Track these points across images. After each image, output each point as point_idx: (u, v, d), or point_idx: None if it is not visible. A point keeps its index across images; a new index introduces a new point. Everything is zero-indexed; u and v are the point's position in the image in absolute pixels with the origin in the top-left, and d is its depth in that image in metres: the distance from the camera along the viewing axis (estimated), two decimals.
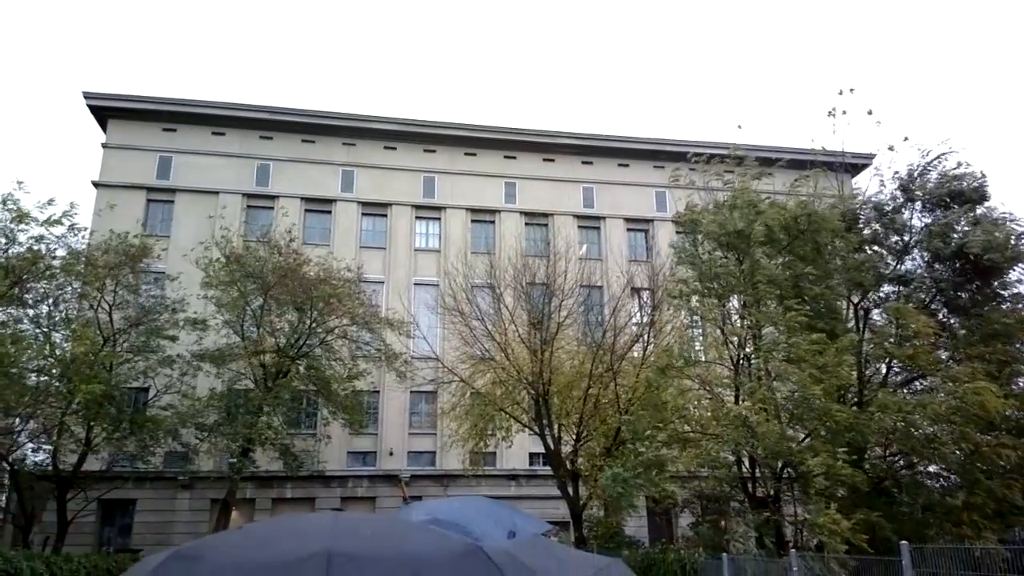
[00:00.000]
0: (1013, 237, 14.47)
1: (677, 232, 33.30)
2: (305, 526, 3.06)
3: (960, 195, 15.28)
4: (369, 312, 26.88)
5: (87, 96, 32.98)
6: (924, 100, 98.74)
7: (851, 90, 16.04)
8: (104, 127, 33.71)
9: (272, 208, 33.67)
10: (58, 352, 20.31)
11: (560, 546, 4.96)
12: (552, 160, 37.15)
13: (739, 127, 59.25)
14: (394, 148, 35.74)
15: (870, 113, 18.48)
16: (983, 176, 15.43)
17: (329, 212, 34.62)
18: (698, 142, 32.48)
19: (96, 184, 32.52)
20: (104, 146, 33.36)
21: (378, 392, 31.41)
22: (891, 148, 16.38)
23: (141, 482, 25.96)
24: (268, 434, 23.95)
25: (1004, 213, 14.95)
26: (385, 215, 35.16)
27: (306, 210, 34.42)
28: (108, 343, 22.17)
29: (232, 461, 24.76)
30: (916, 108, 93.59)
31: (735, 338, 14.93)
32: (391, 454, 31.29)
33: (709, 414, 14.69)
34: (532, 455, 31.21)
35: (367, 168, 35.23)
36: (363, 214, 35.01)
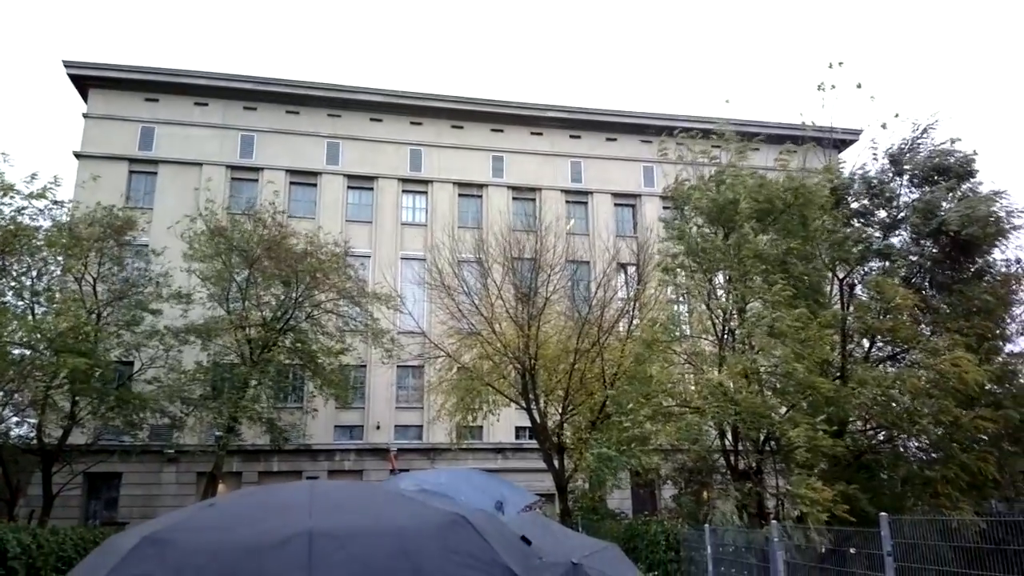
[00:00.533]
0: (999, 213, 14.51)
1: (664, 207, 33.38)
2: (282, 500, 2.90)
3: (947, 170, 15.29)
4: (356, 286, 26.81)
5: (67, 65, 32.36)
6: (917, 78, 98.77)
7: (840, 64, 15.96)
8: (85, 97, 33.14)
9: (256, 180, 33.35)
10: (43, 326, 20.16)
11: (558, 525, 4.92)
12: (540, 134, 36.94)
13: (727, 102, 59.20)
14: (380, 120, 35.39)
15: (859, 87, 18.34)
16: (973, 153, 15.43)
17: (314, 185, 34.33)
18: (687, 116, 32.41)
19: (78, 155, 32.05)
20: (85, 116, 32.82)
21: (365, 366, 31.43)
22: (884, 126, 16.36)
23: (127, 456, 25.94)
24: (254, 408, 23.97)
25: (992, 191, 14.97)
26: (371, 188, 34.91)
27: (291, 183, 34.11)
28: (92, 316, 22.01)
29: (218, 435, 24.77)
30: (907, 85, 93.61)
31: (720, 312, 15.02)
32: (378, 428, 31.42)
33: (693, 387, 14.81)
34: (518, 428, 31.44)
35: (353, 140, 34.90)
36: (349, 187, 34.75)
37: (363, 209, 34.72)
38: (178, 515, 2.98)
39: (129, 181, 32.36)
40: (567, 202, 36.45)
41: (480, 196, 35.88)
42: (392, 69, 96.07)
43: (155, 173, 32.85)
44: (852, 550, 9.53)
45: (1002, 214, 14.52)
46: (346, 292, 25.98)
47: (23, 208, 19.95)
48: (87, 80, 32.74)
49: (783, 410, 13.66)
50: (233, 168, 33.57)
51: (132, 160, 32.61)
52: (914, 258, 15.65)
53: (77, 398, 21.70)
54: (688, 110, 48.66)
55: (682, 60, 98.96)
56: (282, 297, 24.94)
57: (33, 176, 20.19)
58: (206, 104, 33.78)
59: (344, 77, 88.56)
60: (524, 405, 20.95)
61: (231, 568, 2.34)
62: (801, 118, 16.66)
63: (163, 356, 24.16)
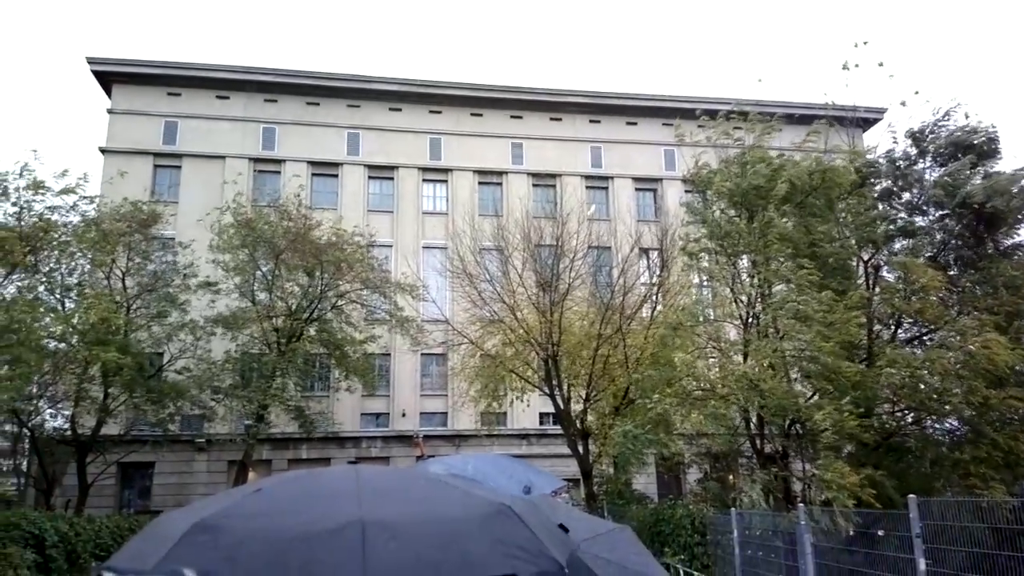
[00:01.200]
0: (1018, 185, 14.30)
1: (686, 191, 33.12)
2: (329, 486, 2.91)
3: (970, 148, 15.10)
4: (379, 276, 27.01)
5: (91, 61, 32.77)
6: (939, 54, 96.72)
7: (864, 43, 15.77)
8: (109, 93, 33.55)
9: (279, 172, 33.62)
10: (74, 320, 20.56)
11: (567, 508, 4.90)
12: (559, 119, 36.77)
13: (759, 81, 58.48)
14: (399, 109, 35.44)
15: (881, 65, 18.08)
16: (992, 127, 15.23)
17: (336, 176, 34.53)
18: (708, 98, 32.02)
19: (103, 150, 32.51)
20: (110, 112, 33.23)
21: (389, 355, 31.69)
22: (903, 103, 16.16)
23: (159, 445, 26.44)
24: (283, 396, 24.31)
25: (1016, 169, 14.75)
26: (392, 178, 35.03)
27: (313, 174, 34.34)
28: (122, 309, 22.41)
29: (248, 424, 25.16)
30: (930, 63, 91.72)
31: (744, 297, 14.93)
32: (404, 415, 31.70)
33: (717, 372, 14.76)
34: (542, 415, 31.54)
35: (372, 130, 35.01)
36: (370, 177, 34.91)
37: (384, 199, 34.87)
38: (225, 500, 2.96)
39: (154, 175, 32.78)
40: (587, 188, 36.31)
41: (500, 183, 35.85)
42: (410, 58, 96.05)
43: (179, 167, 33.23)
44: (881, 532, 9.48)
45: (1016, 187, 14.32)
46: (370, 282, 26.19)
47: (55, 207, 20.31)
48: (110, 76, 33.13)
49: (809, 394, 13.59)
50: (256, 160, 33.86)
51: (156, 154, 33.01)
52: (939, 235, 15.46)
53: (109, 390, 22.12)
54: (709, 92, 48.07)
55: (703, 42, 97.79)
56: (307, 287, 25.19)
57: (64, 172, 20.54)
58: (228, 97, 34.05)
59: (363, 67, 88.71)
60: (548, 391, 21.02)
61: (283, 555, 2.34)
62: (825, 98, 16.46)
63: (192, 347, 24.54)
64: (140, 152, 32.59)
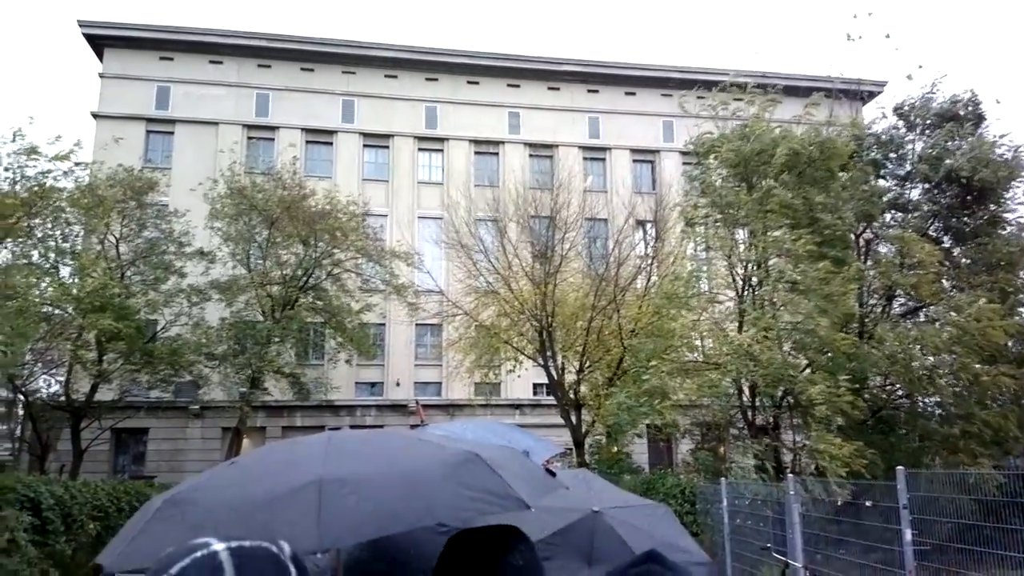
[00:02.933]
0: (1007, 154, 14.39)
1: (685, 163, 32.98)
2: (299, 453, 2.92)
3: (956, 118, 15.16)
4: (374, 245, 26.93)
5: (82, 24, 32.24)
6: (944, 29, 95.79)
7: (869, 14, 15.68)
8: (100, 57, 33.06)
9: (272, 139, 33.32)
10: (69, 287, 20.47)
11: (603, 481, 4.88)
12: (557, 89, 36.42)
13: (756, 53, 58.04)
14: (395, 77, 35.04)
15: (888, 37, 18.01)
16: (970, 94, 15.36)
17: (330, 144, 34.23)
18: (707, 69, 31.75)
19: (95, 115, 32.12)
20: (101, 76, 32.78)
21: (384, 324, 31.72)
22: (909, 77, 16.30)
23: (153, 411, 26.48)
24: (278, 363, 24.36)
25: (996, 135, 14.91)
26: (387, 147, 34.75)
27: (307, 141, 34.03)
28: (116, 276, 22.33)
29: (243, 391, 25.24)
30: (935, 34, 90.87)
31: (741, 268, 14.96)
32: (398, 384, 31.84)
33: (711, 343, 14.84)
34: (536, 385, 31.69)
35: (368, 98, 34.62)
36: (365, 145, 34.61)
37: (379, 168, 34.62)
38: (205, 476, 3.04)
39: (146, 141, 32.46)
40: (584, 158, 36.09)
41: (496, 153, 35.61)
42: (406, 24, 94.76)
43: (172, 133, 32.90)
44: (868, 503, 9.60)
45: (1009, 156, 14.42)
46: (365, 251, 26.12)
47: (48, 171, 20.12)
48: (102, 40, 32.62)
49: (803, 366, 13.67)
50: (249, 127, 33.52)
51: (149, 120, 32.65)
52: (926, 207, 15.55)
53: (105, 356, 22.12)
54: (709, 63, 47.60)
55: (703, 11, 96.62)
56: (302, 256, 25.12)
57: (57, 138, 20.34)
58: (221, 62, 33.60)
59: (358, 33, 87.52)
60: (542, 362, 21.10)
61: (246, 520, 2.39)
62: (828, 70, 16.41)
63: (187, 313, 24.52)
64: (133, 117, 32.21)
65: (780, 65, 69.77)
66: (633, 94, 36.92)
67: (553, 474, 3.14)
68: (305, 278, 25.30)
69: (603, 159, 36.54)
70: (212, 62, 33.54)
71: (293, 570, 1.17)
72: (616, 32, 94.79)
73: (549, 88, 36.34)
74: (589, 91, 36.73)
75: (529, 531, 4.10)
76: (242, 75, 33.71)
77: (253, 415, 26.87)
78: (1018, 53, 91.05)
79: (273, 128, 33.55)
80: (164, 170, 31.14)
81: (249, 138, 33.51)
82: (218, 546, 1.13)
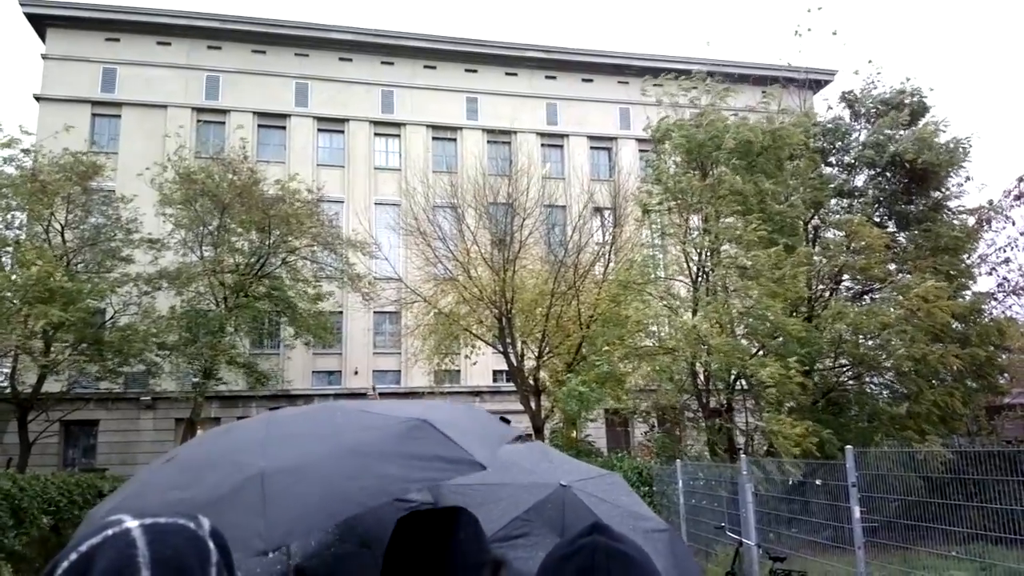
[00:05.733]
0: (951, 143, 14.93)
1: (642, 151, 33.24)
2: (238, 441, 2.76)
3: (900, 106, 15.65)
4: (330, 232, 26.53)
5: (23, 3, 30.96)
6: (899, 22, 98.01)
7: (818, 8, 16.01)
8: (43, 37, 31.82)
9: (223, 123, 32.54)
10: (9, 274, 19.75)
11: (560, 454, 4.96)
12: (515, 74, 36.28)
13: (707, 44, 58.61)
14: (350, 60, 34.48)
15: (834, 34, 18.48)
16: (917, 89, 15.88)
17: (283, 128, 33.57)
18: (665, 56, 32.00)
19: (38, 98, 30.96)
20: (44, 57, 31.57)
21: (342, 312, 31.36)
22: (856, 72, 16.66)
23: (103, 403, 25.81)
24: (232, 352, 23.92)
25: (933, 122, 15.50)
26: (342, 131, 34.23)
27: (259, 125, 33.31)
28: (62, 264, 21.62)
29: (196, 381, 24.74)
30: (889, 26, 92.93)
31: (695, 255, 15.17)
32: (356, 373, 31.56)
33: (667, 329, 15.04)
34: (496, 372, 31.73)
35: (322, 81, 34.01)
36: (319, 130, 34.04)
37: (335, 153, 34.10)
38: (141, 477, 2.81)
39: (92, 124, 31.40)
40: (543, 145, 36.08)
41: (454, 139, 35.37)
42: (361, 6, 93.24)
43: (119, 116, 31.90)
44: (818, 482, 9.86)
45: (952, 144, 14.97)
46: (320, 238, 25.72)
47: None
48: (44, 19, 31.38)
49: (754, 350, 13.94)
50: (199, 110, 32.67)
51: (94, 103, 31.59)
52: (872, 192, 16.03)
53: (52, 346, 21.44)
54: (667, 51, 47.93)
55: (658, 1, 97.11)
56: (256, 243, 24.64)
57: None
58: (169, 44, 32.65)
59: (312, 15, 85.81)
60: (501, 349, 21.12)
61: None
62: (780, 60, 16.75)
63: (136, 303, 23.89)
64: (77, 100, 31.12)
65: (735, 54, 70.75)
66: (591, 81, 36.99)
67: (507, 421, 3.07)
68: (259, 266, 24.83)
69: (561, 146, 36.58)
70: (160, 43, 32.56)
71: (211, 546, 1.13)
72: (573, 18, 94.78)
73: (507, 74, 36.19)
74: (547, 77, 36.68)
75: (505, 508, 4.12)
76: (191, 57, 32.81)
77: (207, 405, 26.37)
78: (967, 52, 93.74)
79: (224, 111, 32.76)
80: (111, 154, 30.20)
81: (199, 121, 32.66)
82: (131, 523, 1.09)
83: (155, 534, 1.08)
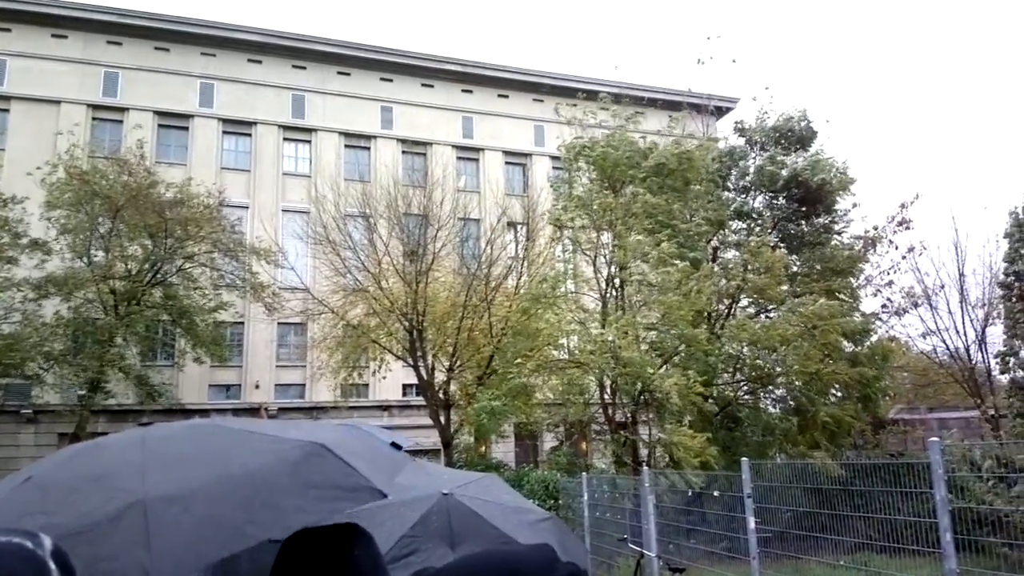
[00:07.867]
0: (839, 168, 16.09)
1: (555, 168, 33.71)
2: (110, 462, 2.47)
3: (791, 133, 16.68)
4: (232, 239, 25.53)
5: None
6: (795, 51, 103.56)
7: (718, 36, 16.92)
8: None
9: (121, 121, 30.93)
10: None
11: (434, 465, 4.98)
12: (431, 86, 36.16)
13: (615, 68, 60.25)
14: (259, 62, 33.50)
15: (734, 62, 19.58)
16: (807, 118, 17.05)
17: (186, 128, 32.22)
18: (578, 77, 32.73)
19: None
20: None
21: (243, 323, 30.20)
22: (754, 99, 17.58)
23: None
24: (120, 364, 22.61)
25: (820, 152, 16.78)
26: (249, 134, 33.16)
27: (160, 125, 31.85)
28: None
29: (81, 393, 23.24)
30: (786, 57, 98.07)
31: (605, 269, 15.46)
32: (257, 387, 30.41)
33: (576, 341, 15.23)
34: (405, 386, 31.23)
35: (229, 82, 32.87)
36: (224, 132, 32.85)
37: (240, 156, 32.96)
38: None
39: None
40: (458, 158, 36.04)
41: (368, 148, 34.86)
42: (273, 8, 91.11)
43: (7, 110, 29.87)
44: (716, 492, 10.12)
45: (842, 167, 16.16)
46: (221, 245, 24.69)
47: None
48: None
49: (659, 363, 14.28)
50: (95, 107, 30.97)
51: None
52: (767, 214, 16.92)
53: None
54: (580, 71, 48.91)
55: (574, 16, 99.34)
56: (150, 248, 23.42)
57: None
58: (65, 37, 30.85)
59: (219, 14, 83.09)
60: (412, 362, 20.81)
61: None
62: (687, 86, 17.49)
63: (20, 309, 22.25)
64: None
65: (646, 77, 72.92)
66: (506, 97, 37.30)
67: (399, 447, 2.95)
68: (152, 273, 23.60)
69: (476, 159, 36.65)
70: (55, 36, 30.73)
71: (52, 566, 1.03)
72: (488, 33, 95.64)
73: (423, 85, 36.03)
74: (464, 91, 36.74)
75: (391, 528, 3.99)
76: (88, 51, 31.09)
77: (93, 420, 24.79)
78: (857, 75, 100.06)
79: (122, 109, 31.16)
80: None
81: (94, 119, 30.94)
82: None
83: None
